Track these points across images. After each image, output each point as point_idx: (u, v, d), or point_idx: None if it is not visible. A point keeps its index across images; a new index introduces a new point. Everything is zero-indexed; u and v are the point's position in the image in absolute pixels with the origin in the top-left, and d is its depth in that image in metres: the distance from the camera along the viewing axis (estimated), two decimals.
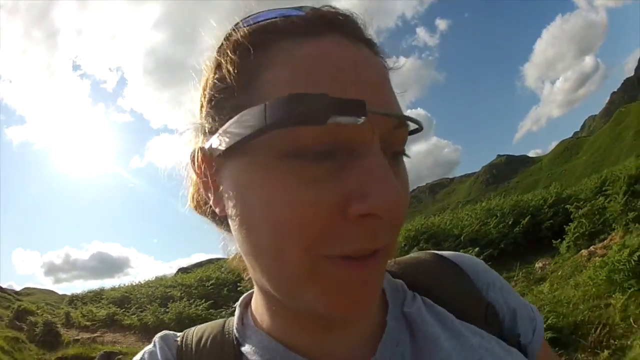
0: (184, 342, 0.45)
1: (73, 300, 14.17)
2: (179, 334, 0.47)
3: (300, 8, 0.38)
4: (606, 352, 3.65)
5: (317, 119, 0.29)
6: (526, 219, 7.45)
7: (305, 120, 0.29)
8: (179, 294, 10.16)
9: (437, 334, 0.41)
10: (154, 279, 14.07)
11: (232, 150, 0.34)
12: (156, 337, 0.46)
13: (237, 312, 0.46)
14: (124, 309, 10.32)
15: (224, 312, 8.24)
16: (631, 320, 3.91)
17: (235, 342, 0.43)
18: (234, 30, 0.39)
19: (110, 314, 9.91)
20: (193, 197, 0.45)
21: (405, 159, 0.38)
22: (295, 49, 0.34)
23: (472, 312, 0.45)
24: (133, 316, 9.66)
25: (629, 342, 3.70)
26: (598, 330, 4.02)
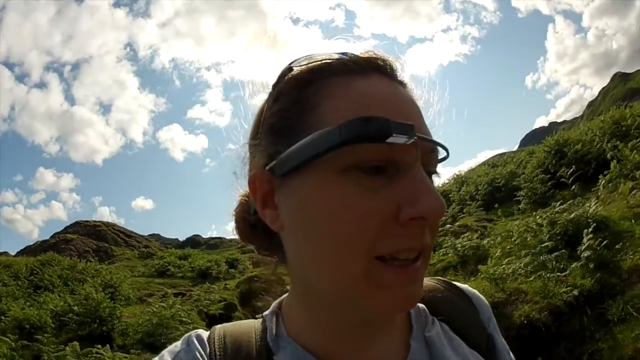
0: (214, 347, 0.46)
1: None
2: (207, 334, 0.48)
3: (345, 53, 0.44)
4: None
5: (380, 136, 0.35)
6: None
7: (371, 138, 0.35)
8: None
9: (451, 358, 0.47)
10: None
11: (296, 170, 0.39)
12: (190, 338, 0.47)
13: (269, 321, 0.49)
14: None
15: None
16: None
17: (267, 352, 0.46)
18: (290, 68, 0.45)
19: None
20: (238, 225, 0.51)
21: None
22: (349, 84, 0.40)
23: (476, 341, 0.51)
24: None
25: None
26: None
